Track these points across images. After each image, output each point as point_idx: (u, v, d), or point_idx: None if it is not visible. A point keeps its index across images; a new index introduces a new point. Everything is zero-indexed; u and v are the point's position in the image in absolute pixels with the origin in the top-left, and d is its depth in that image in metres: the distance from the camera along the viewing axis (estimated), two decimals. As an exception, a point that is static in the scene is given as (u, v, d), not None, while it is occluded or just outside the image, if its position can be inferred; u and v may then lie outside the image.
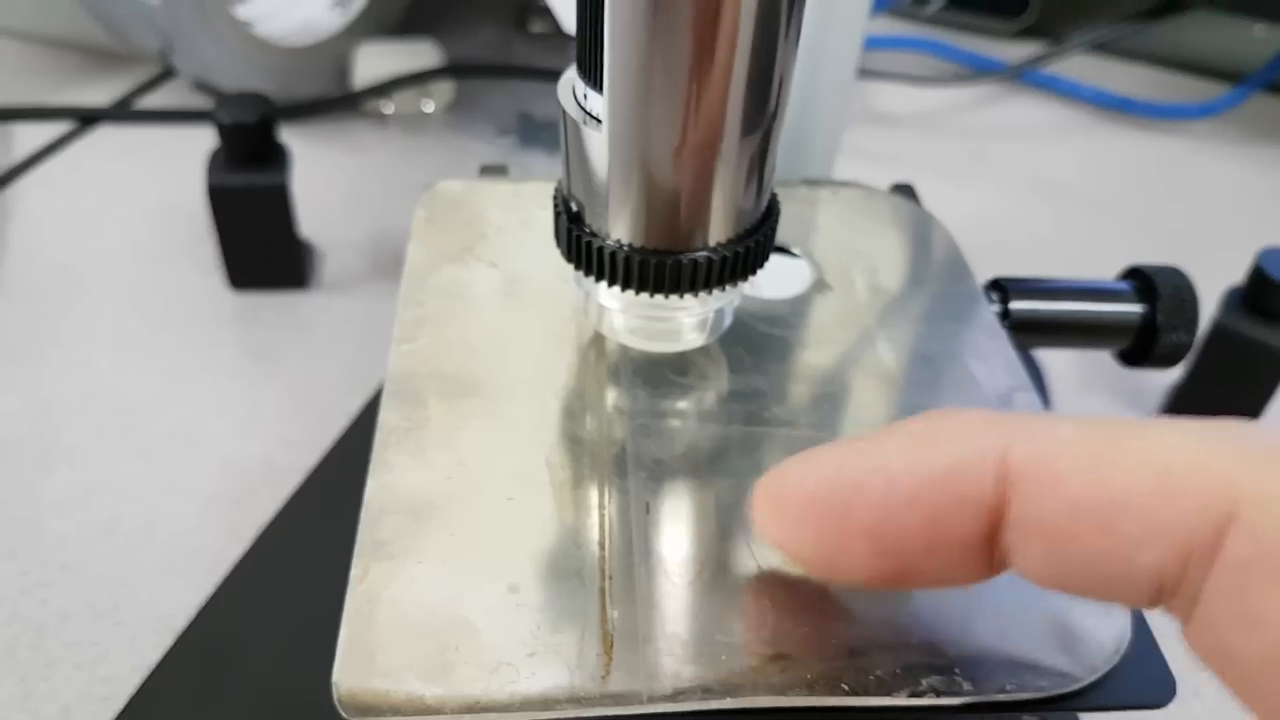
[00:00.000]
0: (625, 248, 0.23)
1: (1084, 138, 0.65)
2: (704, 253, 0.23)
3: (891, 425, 0.17)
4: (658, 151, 0.22)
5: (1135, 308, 0.32)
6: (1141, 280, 0.32)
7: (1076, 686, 0.20)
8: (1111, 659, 0.21)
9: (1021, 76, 0.68)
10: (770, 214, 0.25)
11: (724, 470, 0.25)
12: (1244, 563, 0.13)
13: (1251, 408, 0.40)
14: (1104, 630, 0.21)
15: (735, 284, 0.25)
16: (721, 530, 0.23)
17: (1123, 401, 0.44)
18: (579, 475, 0.24)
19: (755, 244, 0.24)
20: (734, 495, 0.24)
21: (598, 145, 0.22)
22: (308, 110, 0.58)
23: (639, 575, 0.22)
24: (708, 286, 0.24)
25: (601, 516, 0.23)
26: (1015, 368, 0.28)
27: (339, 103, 0.59)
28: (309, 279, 0.47)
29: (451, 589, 0.21)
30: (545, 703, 0.20)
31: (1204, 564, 0.13)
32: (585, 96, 0.22)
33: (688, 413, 0.26)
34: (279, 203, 0.43)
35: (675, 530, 0.23)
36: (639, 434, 0.25)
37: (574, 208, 0.24)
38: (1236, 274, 0.40)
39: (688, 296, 0.24)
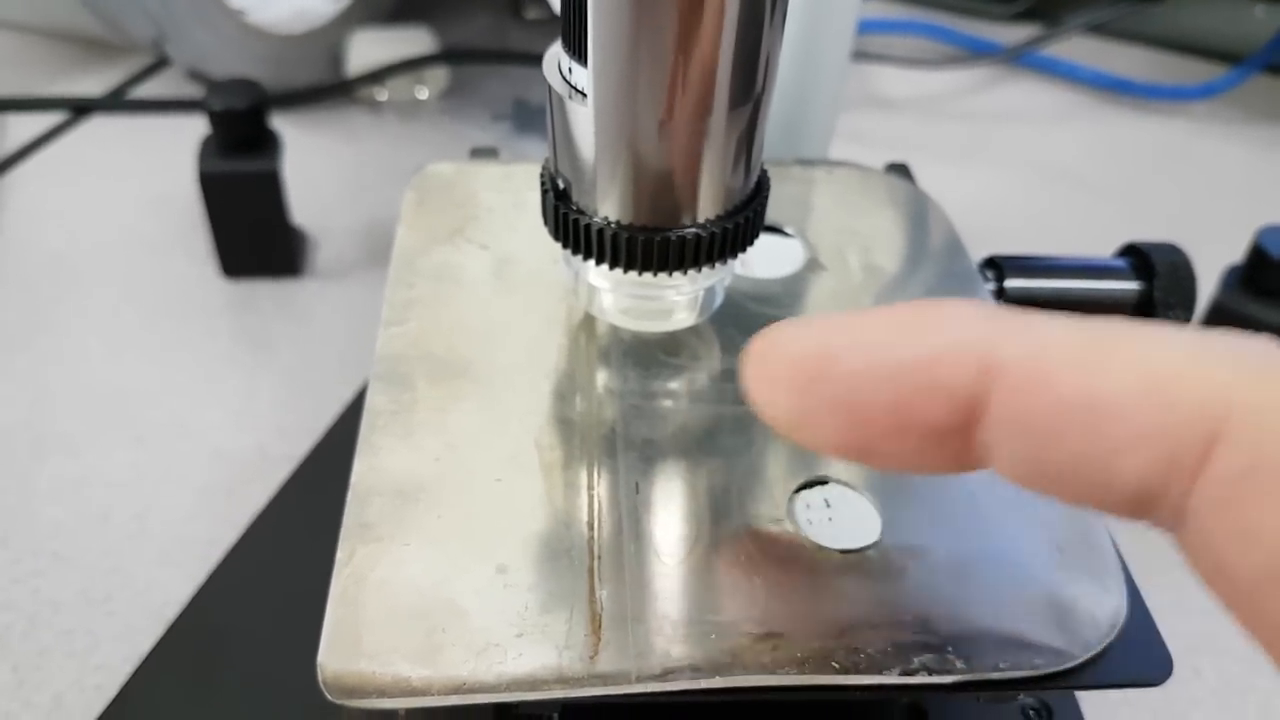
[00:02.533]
0: (613, 225, 0.23)
1: (1083, 120, 0.64)
2: (693, 229, 0.23)
3: (886, 306, 0.17)
4: (643, 125, 0.21)
5: (1132, 284, 0.32)
6: (1138, 257, 0.32)
7: (1071, 664, 0.20)
8: (1107, 636, 0.21)
9: (1020, 59, 0.67)
10: (760, 190, 0.24)
11: (715, 450, 0.24)
12: (1234, 476, 0.12)
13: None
14: (1100, 608, 0.21)
15: (725, 261, 0.24)
16: (712, 510, 0.23)
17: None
18: (569, 456, 0.24)
19: (745, 220, 0.24)
20: (725, 475, 0.24)
21: (583, 120, 0.22)
22: (302, 98, 0.58)
23: (628, 555, 0.22)
24: (697, 264, 0.24)
25: (591, 497, 0.23)
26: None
27: (333, 90, 0.59)
28: (302, 266, 0.47)
29: (439, 570, 0.21)
30: (533, 683, 0.19)
31: (1189, 475, 0.13)
32: (570, 70, 0.22)
33: (679, 393, 0.26)
34: (270, 189, 0.43)
35: (665, 510, 0.23)
36: (629, 415, 0.25)
37: (561, 185, 0.24)
38: (1237, 254, 0.40)
39: (677, 274, 0.24)
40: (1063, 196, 0.57)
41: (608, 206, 0.23)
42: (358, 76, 0.58)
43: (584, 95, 0.22)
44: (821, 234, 0.31)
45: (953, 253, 0.31)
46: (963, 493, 0.23)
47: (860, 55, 0.65)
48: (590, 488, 0.23)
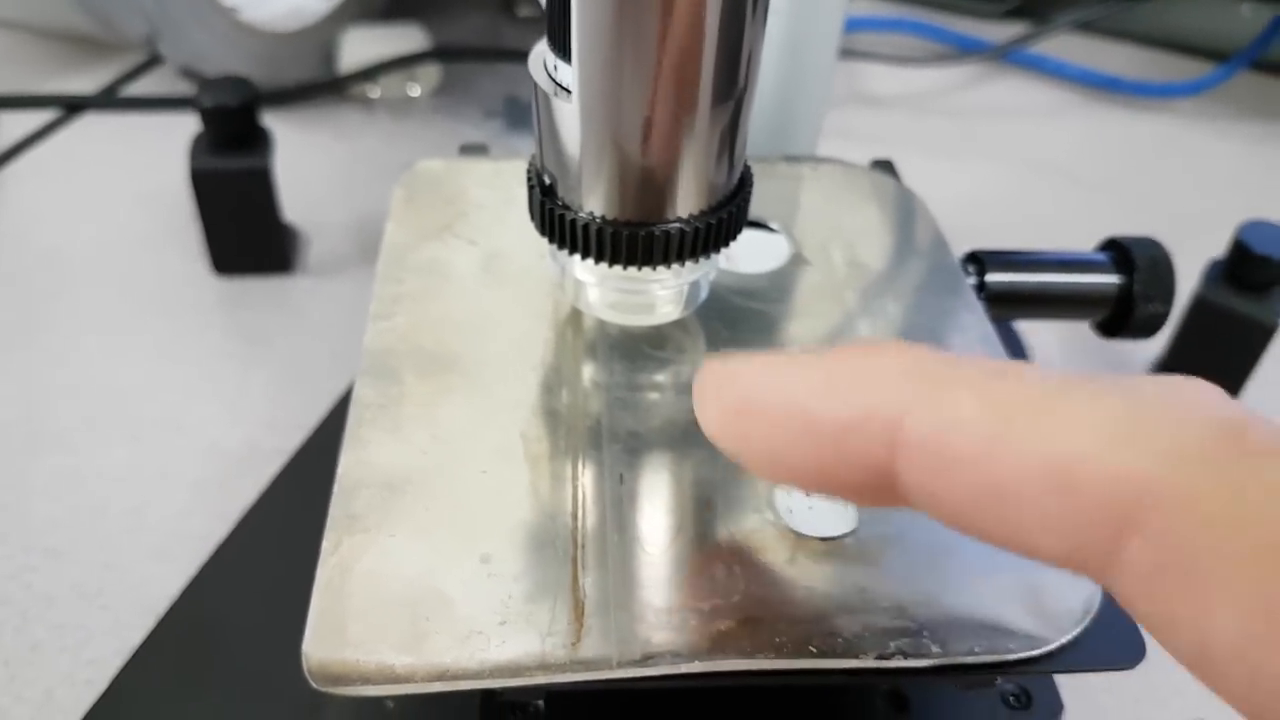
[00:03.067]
0: (598, 220, 0.23)
1: (1071, 117, 0.65)
2: (677, 224, 0.23)
3: (820, 351, 0.17)
4: (627, 122, 0.22)
5: (1112, 278, 0.32)
6: (1118, 251, 0.33)
7: (1046, 649, 0.21)
8: (1081, 621, 0.21)
9: (1008, 56, 0.68)
10: (744, 185, 0.25)
11: (698, 442, 0.25)
12: (1146, 572, 0.12)
13: (1233, 379, 0.40)
14: (1074, 593, 0.21)
15: (709, 255, 0.25)
16: (694, 500, 0.23)
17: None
18: (554, 448, 0.24)
19: (729, 215, 0.24)
20: (707, 467, 0.24)
21: (568, 117, 0.22)
22: (294, 95, 0.58)
23: (611, 544, 0.22)
24: (681, 258, 0.24)
25: (575, 488, 0.23)
26: (991, 339, 0.28)
27: (325, 87, 0.59)
28: (294, 263, 0.47)
29: (424, 560, 0.22)
30: (515, 670, 0.20)
31: (1102, 562, 0.13)
32: (555, 68, 0.22)
33: (664, 386, 0.26)
34: (262, 186, 0.43)
35: (648, 500, 0.23)
36: (615, 407, 0.25)
37: (547, 181, 0.24)
38: (1222, 249, 0.40)
39: (662, 268, 0.24)
40: (1050, 193, 0.57)
41: (593, 201, 0.23)
42: (350, 74, 0.59)
43: (569, 92, 0.22)
44: (806, 229, 0.32)
45: (935, 248, 0.31)
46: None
47: (849, 52, 0.66)
48: (575, 479, 0.24)
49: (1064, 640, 0.21)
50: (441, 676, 0.19)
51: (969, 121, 0.63)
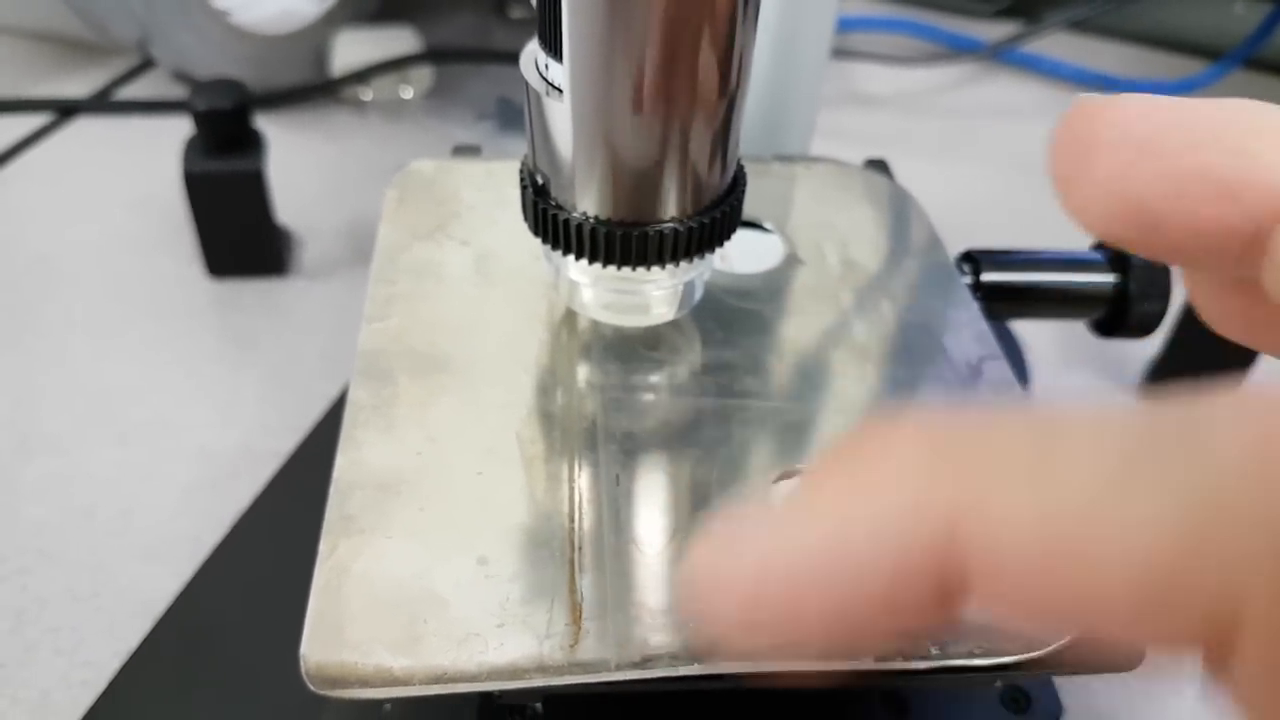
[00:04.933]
0: (591, 220, 0.23)
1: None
2: (670, 224, 0.23)
3: (808, 479, 0.13)
4: (619, 120, 0.21)
5: (1107, 277, 0.32)
6: (1113, 250, 0.33)
7: (1044, 651, 0.20)
8: (1079, 622, 0.21)
9: (1001, 56, 0.68)
10: (737, 185, 0.25)
11: (694, 442, 0.25)
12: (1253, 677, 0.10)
13: (1229, 377, 0.40)
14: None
15: (703, 255, 0.25)
16: (691, 501, 0.23)
17: (1104, 375, 0.44)
18: (549, 449, 0.24)
19: (722, 215, 0.24)
20: (704, 467, 0.24)
21: (560, 116, 0.22)
22: (287, 98, 0.58)
23: (608, 546, 0.22)
24: (675, 258, 0.24)
25: (571, 489, 0.23)
26: (986, 338, 0.28)
27: (318, 90, 0.59)
28: (287, 265, 0.47)
29: (421, 562, 0.21)
30: (513, 672, 0.20)
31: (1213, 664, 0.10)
32: (546, 67, 0.22)
33: (659, 386, 0.26)
34: (255, 189, 0.43)
35: (644, 501, 0.23)
36: (610, 408, 0.25)
37: (540, 181, 0.24)
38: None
39: (656, 269, 0.24)
40: (1043, 192, 0.56)
41: (586, 202, 0.23)
42: (342, 76, 0.59)
43: (560, 91, 0.22)
44: (800, 229, 0.32)
45: (930, 247, 0.31)
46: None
47: (842, 52, 0.66)
48: (571, 480, 0.23)
49: (1061, 642, 0.21)
50: (439, 679, 0.19)
51: (962, 121, 0.63)
